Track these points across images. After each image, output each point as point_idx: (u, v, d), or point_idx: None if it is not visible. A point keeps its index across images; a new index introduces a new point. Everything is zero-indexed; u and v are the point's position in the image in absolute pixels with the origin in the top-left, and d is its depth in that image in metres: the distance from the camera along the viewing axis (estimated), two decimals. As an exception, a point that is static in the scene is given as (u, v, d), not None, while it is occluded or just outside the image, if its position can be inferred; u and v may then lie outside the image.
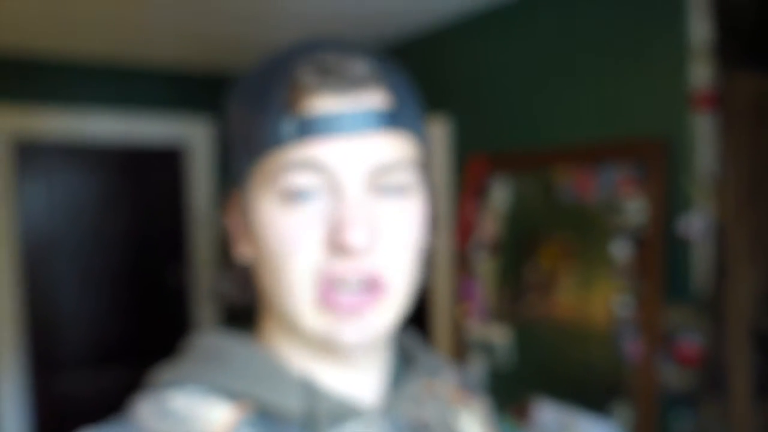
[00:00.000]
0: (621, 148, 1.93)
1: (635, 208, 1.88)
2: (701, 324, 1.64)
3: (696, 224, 1.71)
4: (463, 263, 2.43)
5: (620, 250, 1.91)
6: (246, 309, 0.60)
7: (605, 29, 2.00)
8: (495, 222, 2.36)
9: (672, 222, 1.79)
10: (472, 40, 2.49)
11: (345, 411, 0.53)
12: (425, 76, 2.58)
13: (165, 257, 3.48)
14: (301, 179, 0.49)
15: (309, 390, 0.52)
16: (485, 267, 2.39)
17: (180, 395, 0.52)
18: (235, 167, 0.54)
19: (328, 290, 0.50)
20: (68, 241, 3.23)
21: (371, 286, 0.50)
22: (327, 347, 0.53)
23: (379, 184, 0.50)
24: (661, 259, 1.79)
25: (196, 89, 3.44)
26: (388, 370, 0.58)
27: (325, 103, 0.48)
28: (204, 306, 3.46)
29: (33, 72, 3.04)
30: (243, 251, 0.56)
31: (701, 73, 1.69)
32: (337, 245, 0.48)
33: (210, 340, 0.56)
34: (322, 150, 0.48)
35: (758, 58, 1.51)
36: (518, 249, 2.28)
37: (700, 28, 1.68)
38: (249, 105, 0.52)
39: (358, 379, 0.56)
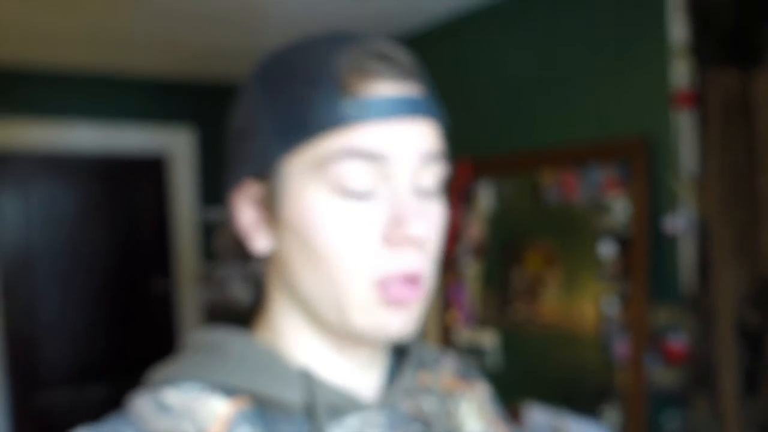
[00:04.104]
0: (605, 149, 1.93)
1: (621, 208, 1.88)
2: (688, 322, 1.65)
3: (681, 222, 1.71)
4: (450, 268, 2.42)
5: (607, 251, 1.92)
6: (231, 315, 0.59)
7: (588, 32, 2.01)
8: (480, 226, 2.35)
9: (657, 221, 1.79)
10: (453, 44, 2.49)
11: (345, 404, 0.52)
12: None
13: (148, 268, 3.43)
14: (358, 168, 0.48)
15: (309, 382, 0.52)
16: (471, 271, 2.38)
17: (177, 392, 0.51)
18: (259, 155, 0.51)
19: (385, 286, 0.49)
20: (47, 253, 3.18)
21: (413, 280, 0.50)
22: (367, 341, 0.53)
23: (417, 182, 0.51)
24: (647, 259, 1.80)
25: (178, 98, 3.41)
26: (385, 364, 0.58)
27: (386, 88, 0.49)
28: (190, 317, 3.42)
29: (11, 82, 3.01)
30: (260, 244, 0.54)
31: (682, 72, 1.70)
32: (397, 238, 0.49)
33: (208, 336, 0.55)
34: (380, 134, 0.49)
35: (734, 55, 1.53)
36: (504, 253, 2.27)
37: (680, 27, 1.70)
38: (293, 87, 0.50)
39: (359, 374, 0.55)
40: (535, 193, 2.15)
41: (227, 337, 0.54)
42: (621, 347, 1.86)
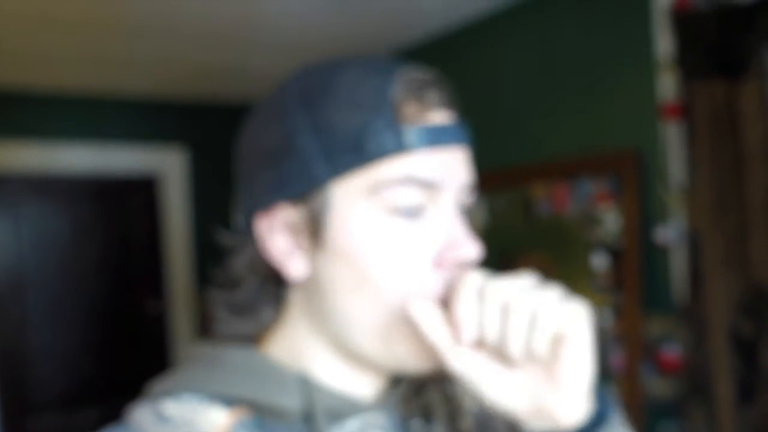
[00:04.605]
0: (595, 162, 1.95)
1: (612, 220, 1.90)
2: (681, 332, 1.65)
3: (672, 233, 1.73)
4: (443, 283, 2.42)
5: (599, 263, 1.93)
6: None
7: (577, 47, 2.04)
8: (473, 241, 2.36)
9: (648, 232, 1.81)
10: (443, 60, 2.52)
11: (344, 407, 0.52)
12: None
13: (141, 290, 3.41)
14: (412, 193, 0.49)
15: (307, 387, 0.52)
16: (465, 286, 2.38)
17: (176, 403, 0.51)
18: (298, 178, 0.49)
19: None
20: (39, 275, 3.15)
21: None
22: (386, 368, 0.53)
23: (458, 207, 0.52)
24: (639, 270, 1.81)
25: (170, 118, 3.42)
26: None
27: (437, 116, 0.51)
28: (184, 339, 3.39)
29: (1, 104, 3.01)
30: (296, 270, 0.52)
31: (669, 85, 1.73)
32: (449, 261, 0.49)
33: (207, 348, 0.55)
34: (435, 162, 0.49)
35: (719, 67, 1.56)
36: (497, 268, 2.27)
37: (665, 41, 1.73)
38: (342, 110, 0.49)
39: (360, 379, 0.55)
40: (527, 207, 2.17)
41: (226, 349, 0.54)
42: (615, 359, 1.86)
